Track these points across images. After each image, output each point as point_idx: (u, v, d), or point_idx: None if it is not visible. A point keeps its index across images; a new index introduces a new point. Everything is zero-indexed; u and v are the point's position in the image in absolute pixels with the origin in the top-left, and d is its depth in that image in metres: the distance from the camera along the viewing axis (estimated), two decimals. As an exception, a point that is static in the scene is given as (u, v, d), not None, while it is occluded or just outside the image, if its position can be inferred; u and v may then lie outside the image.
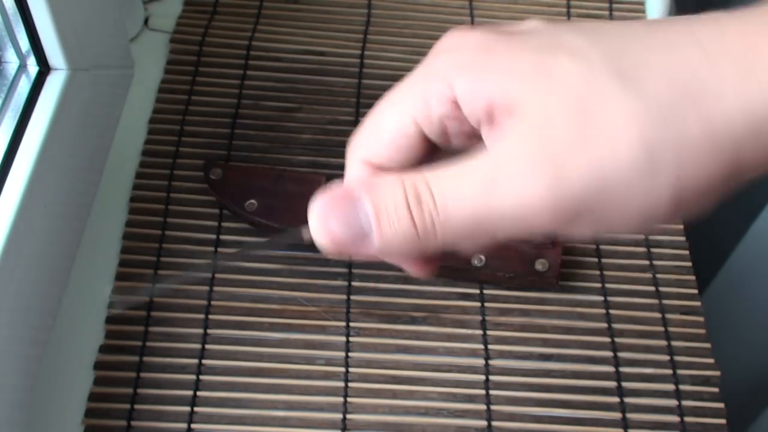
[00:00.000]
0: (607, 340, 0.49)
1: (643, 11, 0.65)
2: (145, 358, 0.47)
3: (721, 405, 0.47)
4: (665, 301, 0.50)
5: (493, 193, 0.24)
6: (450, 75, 0.25)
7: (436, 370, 0.47)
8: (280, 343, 0.48)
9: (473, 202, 0.24)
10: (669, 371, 0.48)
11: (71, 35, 0.44)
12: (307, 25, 0.63)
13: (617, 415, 0.46)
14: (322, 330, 0.48)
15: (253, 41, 0.61)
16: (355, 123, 0.57)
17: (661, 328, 0.49)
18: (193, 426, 0.44)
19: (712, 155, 0.23)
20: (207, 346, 0.47)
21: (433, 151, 0.27)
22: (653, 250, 0.53)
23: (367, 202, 0.25)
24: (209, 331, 0.48)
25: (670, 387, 0.47)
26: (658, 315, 0.50)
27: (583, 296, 0.50)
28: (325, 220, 0.26)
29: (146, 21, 0.62)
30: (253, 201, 0.51)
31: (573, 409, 0.46)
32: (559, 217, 0.24)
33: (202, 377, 0.46)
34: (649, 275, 0.52)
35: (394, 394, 0.46)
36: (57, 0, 0.42)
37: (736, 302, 0.71)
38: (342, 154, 0.59)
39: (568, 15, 0.64)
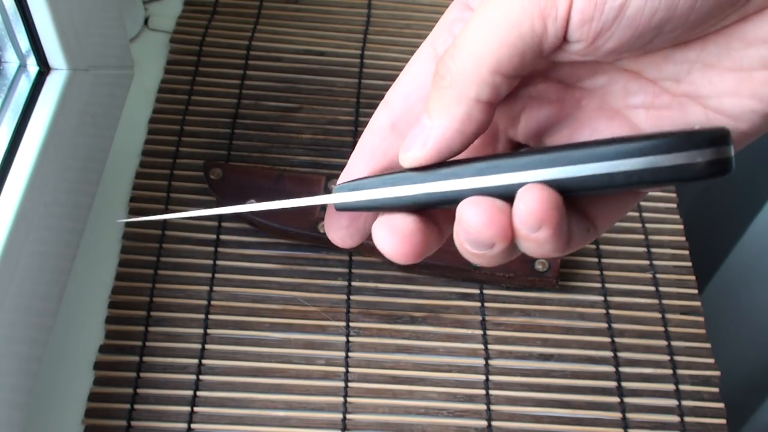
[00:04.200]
0: (607, 340, 0.49)
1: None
2: (145, 358, 0.47)
3: (721, 405, 0.47)
4: (665, 301, 0.51)
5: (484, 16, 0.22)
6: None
7: (436, 370, 0.47)
8: (280, 343, 0.48)
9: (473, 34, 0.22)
10: (669, 371, 0.48)
11: (71, 35, 0.44)
12: (307, 25, 0.63)
13: (617, 415, 0.46)
14: (322, 330, 0.48)
15: (253, 41, 0.61)
16: (355, 123, 0.57)
17: (661, 328, 0.49)
18: (193, 426, 0.44)
19: None
20: (207, 346, 0.47)
21: None
22: (653, 250, 0.53)
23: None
24: (209, 331, 0.48)
25: (670, 387, 0.47)
26: (658, 315, 0.50)
27: (583, 296, 0.50)
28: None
29: (146, 21, 0.62)
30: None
31: (573, 409, 0.46)
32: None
33: (202, 377, 0.46)
34: (649, 275, 0.52)
35: (394, 394, 0.46)
36: (57, 0, 0.42)
37: (734, 301, 0.71)
38: (342, 154, 0.59)
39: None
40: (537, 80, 0.24)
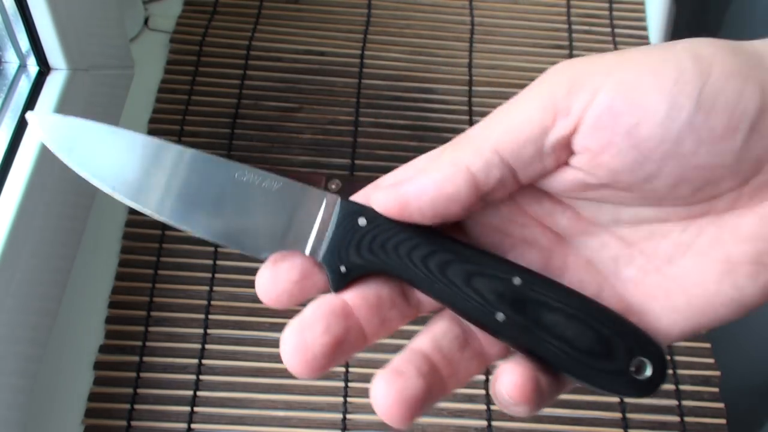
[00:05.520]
0: (607, 340, 0.49)
1: (643, 11, 0.65)
2: (145, 358, 0.47)
3: (721, 405, 0.47)
4: (665, 301, 0.50)
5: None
6: None
7: (436, 370, 0.47)
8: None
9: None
10: (669, 371, 0.48)
11: (71, 35, 0.44)
12: (307, 25, 0.63)
13: (617, 415, 0.46)
14: (322, 330, 0.48)
15: (253, 41, 0.61)
16: (355, 123, 0.57)
17: (661, 328, 0.49)
18: (193, 426, 0.44)
19: None
20: (207, 346, 0.47)
21: None
22: (653, 250, 0.52)
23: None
24: (209, 331, 0.48)
25: (670, 387, 0.47)
26: (658, 315, 0.50)
27: (583, 296, 0.50)
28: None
29: (146, 21, 0.62)
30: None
31: (573, 408, 0.46)
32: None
33: (202, 377, 0.46)
34: (649, 275, 0.52)
35: (394, 394, 0.46)
36: (57, 0, 0.42)
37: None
38: (342, 154, 0.59)
39: (569, 15, 0.64)
40: (533, 224, 0.24)
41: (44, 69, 0.45)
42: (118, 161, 0.24)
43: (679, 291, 0.22)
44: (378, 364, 0.50)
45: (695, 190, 0.21)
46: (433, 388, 0.23)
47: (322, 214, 0.24)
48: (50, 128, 0.24)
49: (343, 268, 0.24)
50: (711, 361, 0.48)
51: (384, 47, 0.62)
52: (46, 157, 0.42)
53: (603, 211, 0.23)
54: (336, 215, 0.24)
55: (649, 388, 0.22)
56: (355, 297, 0.24)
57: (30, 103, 0.44)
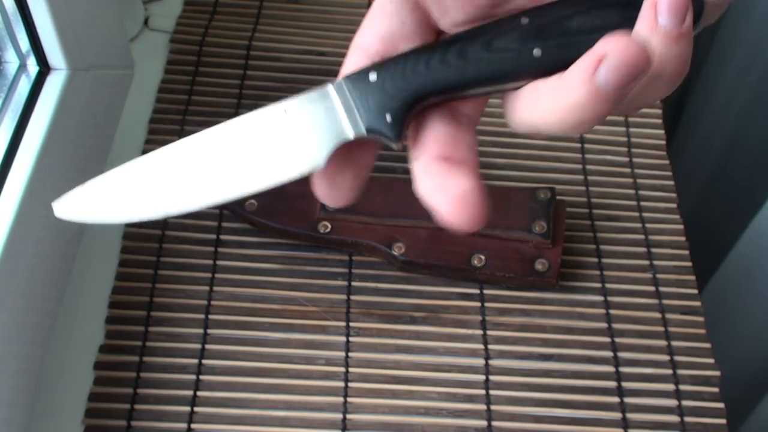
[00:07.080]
0: (607, 340, 0.49)
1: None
2: (145, 358, 0.47)
3: (721, 405, 0.47)
4: (665, 301, 0.51)
5: None
6: None
7: (436, 370, 0.47)
8: (281, 343, 0.48)
9: None
10: (669, 371, 0.48)
11: (71, 35, 0.44)
12: (307, 25, 0.63)
13: (617, 415, 0.46)
14: (322, 330, 0.48)
15: (253, 41, 0.61)
16: (355, 123, 0.57)
17: (661, 328, 0.49)
18: (193, 426, 0.44)
19: None
20: (207, 346, 0.47)
21: None
22: (653, 250, 0.53)
23: None
24: (209, 331, 0.48)
25: (670, 387, 0.47)
26: (658, 315, 0.50)
27: (583, 296, 0.50)
28: None
29: (146, 21, 0.62)
30: (253, 201, 0.51)
31: (573, 409, 0.46)
32: None
33: (202, 377, 0.46)
34: (649, 275, 0.52)
35: (394, 394, 0.46)
36: (57, 0, 0.42)
37: (733, 301, 0.71)
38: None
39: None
40: None
41: (44, 69, 0.45)
42: (139, 193, 0.26)
43: None
44: (378, 364, 0.50)
45: None
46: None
47: (339, 100, 0.25)
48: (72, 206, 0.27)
49: (388, 118, 0.24)
50: (711, 361, 0.48)
51: (384, 47, 0.62)
52: (46, 157, 0.42)
53: None
54: (349, 92, 0.25)
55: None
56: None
57: (30, 103, 0.44)
